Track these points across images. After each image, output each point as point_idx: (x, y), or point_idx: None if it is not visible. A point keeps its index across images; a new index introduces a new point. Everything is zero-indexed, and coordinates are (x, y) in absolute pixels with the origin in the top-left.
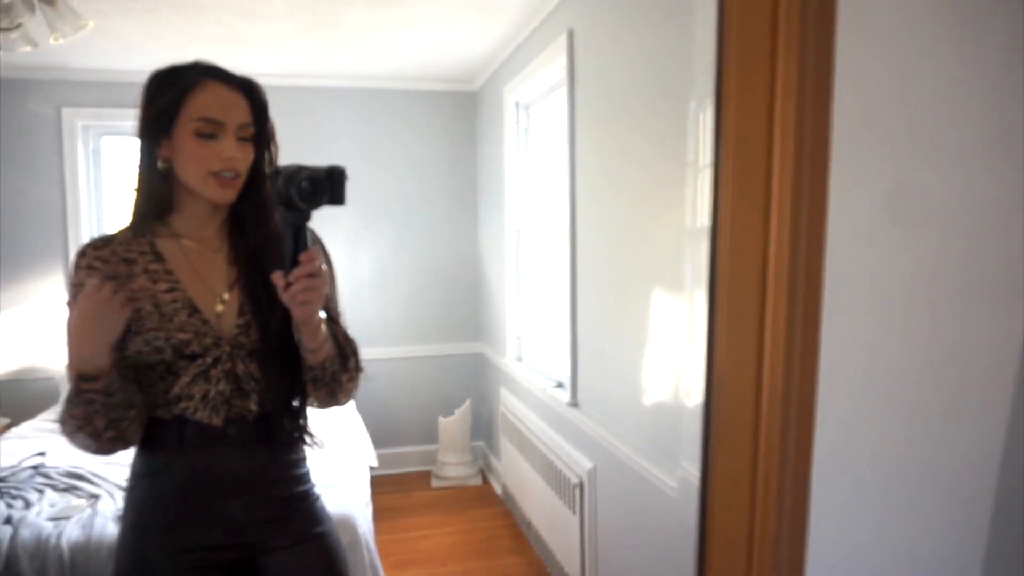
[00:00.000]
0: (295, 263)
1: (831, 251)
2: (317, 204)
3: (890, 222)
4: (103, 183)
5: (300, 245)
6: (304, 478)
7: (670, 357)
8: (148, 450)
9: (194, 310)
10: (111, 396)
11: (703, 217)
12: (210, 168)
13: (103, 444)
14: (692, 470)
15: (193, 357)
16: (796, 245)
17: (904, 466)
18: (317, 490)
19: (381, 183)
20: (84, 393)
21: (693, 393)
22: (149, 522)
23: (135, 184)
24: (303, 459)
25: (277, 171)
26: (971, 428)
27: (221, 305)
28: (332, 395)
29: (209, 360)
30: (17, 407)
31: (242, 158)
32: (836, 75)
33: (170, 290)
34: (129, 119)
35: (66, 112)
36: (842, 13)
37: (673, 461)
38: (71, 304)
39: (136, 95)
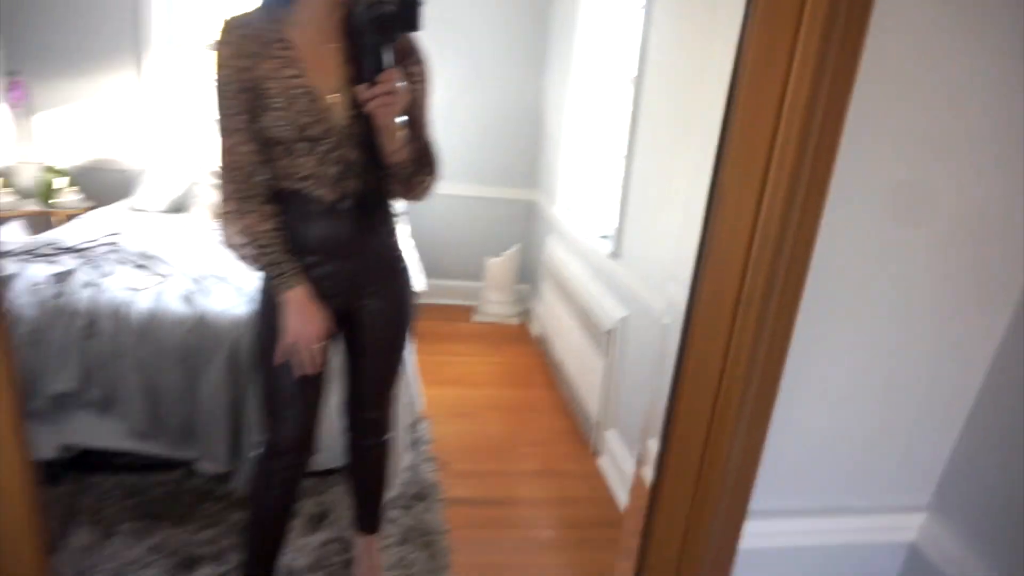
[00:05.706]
0: (375, 81)
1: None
2: (392, 33)
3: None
4: None
5: (379, 65)
6: (396, 245)
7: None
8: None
9: (314, 98)
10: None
11: None
12: None
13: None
14: (681, 291)
15: (311, 140)
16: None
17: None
18: (405, 257)
19: (452, 19)
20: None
21: None
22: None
23: None
24: (394, 230)
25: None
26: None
27: (335, 96)
28: (408, 190)
29: (327, 146)
30: (96, 193)
31: None
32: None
33: (294, 76)
34: None
35: None
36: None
37: None
38: (219, 84)
39: None
